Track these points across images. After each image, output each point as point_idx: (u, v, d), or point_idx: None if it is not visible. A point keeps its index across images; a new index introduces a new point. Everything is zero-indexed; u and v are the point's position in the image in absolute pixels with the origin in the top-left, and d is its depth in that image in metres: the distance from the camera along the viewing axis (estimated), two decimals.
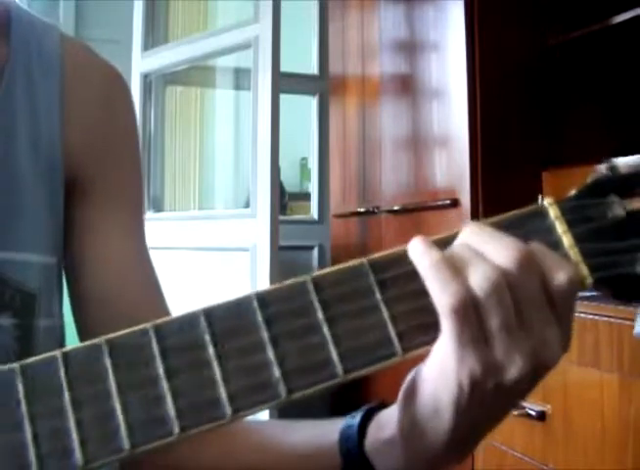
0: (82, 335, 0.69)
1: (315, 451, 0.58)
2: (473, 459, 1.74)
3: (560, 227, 0.46)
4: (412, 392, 0.47)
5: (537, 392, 1.49)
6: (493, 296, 0.42)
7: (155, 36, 2.91)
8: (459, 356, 0.43)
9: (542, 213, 0.46)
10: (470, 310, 0.42)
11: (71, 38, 0.75)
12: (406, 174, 2.27)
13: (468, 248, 0.44)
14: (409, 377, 0.48)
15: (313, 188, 3.35)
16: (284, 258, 2.43)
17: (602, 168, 0.48)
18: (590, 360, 1.36)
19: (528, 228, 0.46)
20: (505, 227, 0.46)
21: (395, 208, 2.29)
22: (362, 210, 2.47)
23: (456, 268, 0.43)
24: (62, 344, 0.67)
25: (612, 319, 1.33)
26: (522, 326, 0.43)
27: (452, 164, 2.04)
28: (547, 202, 0.47)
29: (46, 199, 0.67)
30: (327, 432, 0.58)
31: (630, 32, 1.82)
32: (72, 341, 0.69)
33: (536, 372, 0.44)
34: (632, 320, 1.28)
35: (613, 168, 0.47)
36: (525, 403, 1.51)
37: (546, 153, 1.97)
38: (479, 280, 0.42)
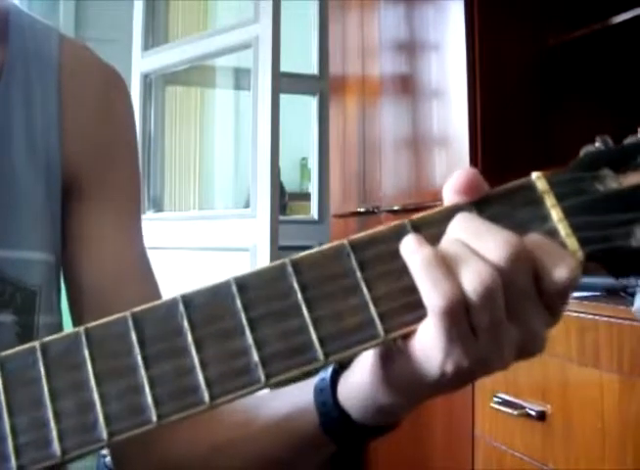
0: None
1: (293, 412, 0.58)
2: (473, 459, 1.74)
3: (549, 201, 0.44)
4: (388, 360, 0.47)
5: (537, 392, 1.49)
6: (486, 296, 0.41)
7: (155, 36, 2.92)
8: (446, 351, 0.42)
9: (530, 187, 0.45)
10: (460, 311, 0.41)
11: (71, 39, 0.75)
12: (406, 174, 2.27)
13: (460, 244, 0.43)
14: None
15: (313, 188, 3.35)
16: (284, 257, 2.42)
17: (595, 144, 0.46)
18: (590, 360, 1.36)
19: (516, 202, 0.44)
20: (493, 202, 0.44)
21: (395, 208, 2.29)
22: (362, 210, 2.47)
23: (448, 267, 0.42)
24: None
25: (612, 319, 1.32)
26: (512, 319, 0.43)
27: (452, 164, 2.03)
28: (535, 175, 0.45)
29: (44, 197, 0.68)
30: (303, 391, 0.57)
31: (630, 32, 1.82)
32: None
33: (520, 359, 0.44)
34: (632, 320, 1.28)
35: (606, 143, 0.46)
36: (524, 403, 1.52)
37: (546, 153, 1.97)
38: (471, 281, 0.41)
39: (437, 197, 1.98)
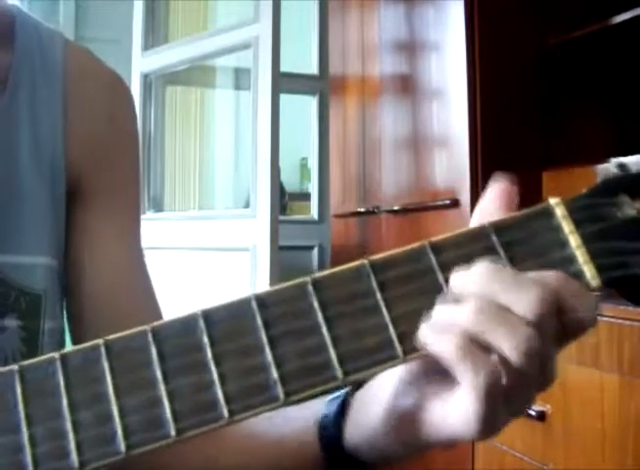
0: (75, 338, 0.70)
1: (299, 446, 0.58)
2: (473, 459, 1.74)
3: (567, 227, 0.44)
4: (414, 427, 0.46)
5: None
6: (526, 361, 0.40)
7: (155, 36, 2.92)
8: (485, 419, 0.41)
9: (549, 213, 0.45)
10: (500, 384, 0.40)
11: (75, 44, 0.76)
12: (406, 174, 2.27)
13: (491, 304, 0.41)
14: (403, 402, 0.47)
15: (313, 188, 3.35)
16: (284, 257, 2.43)
17: (611, 168, 0.46)
18: (590, 360, 1.36)
19: (535, 227, 0.44)
20: (512, 227, 0.44)
21: (395, 208, 2.29)
22: (362, 210, 2.47)
23: (484, 343, 0.40)
24: (63, 345, 0.68)
25: (612, 319, 1.32)
26: (539, 374, 0.42)
27: (452, 164, 2.03)
28: (554, 201, 0.45)
29: (48, 203, 0.68)
30: (310, 423, 0.57)
31: (630, 32, 1.82)
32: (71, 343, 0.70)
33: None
34: (632, 320, 1.28)
35: (623, 168, 0.46)
36: None
37: (546, 153, 1.97)
38: (511, 351, 0.40)
39: (437, 197, 1.99)
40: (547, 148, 1.98)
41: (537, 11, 2.00)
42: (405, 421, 0.47)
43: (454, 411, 0.42)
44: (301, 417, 0.58)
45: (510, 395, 0.42)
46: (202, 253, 2.59)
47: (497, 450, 1.63)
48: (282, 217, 2.79)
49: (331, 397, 0.56)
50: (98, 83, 0.73)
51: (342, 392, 0.56)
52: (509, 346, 0.40)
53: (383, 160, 2.40)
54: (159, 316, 0.70)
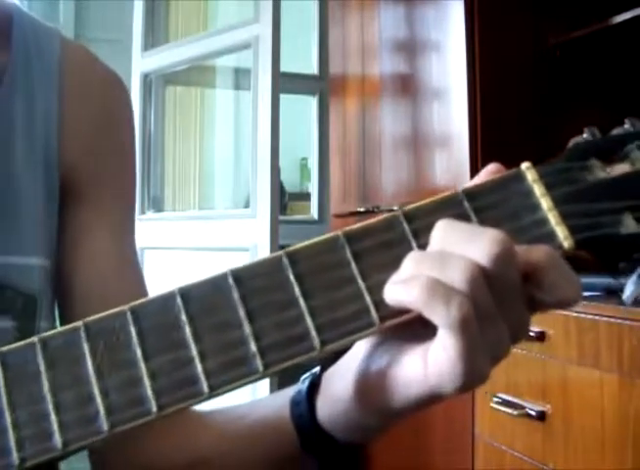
0: None
1: (276, 424, 0.58)
2: (473, 459, 1.74)
3: (538, 190, 0.45)
4: (384, 383, 0.46)
5: (537, 392, 1.49)
6: (474, 286, 0.40)
7: (155, 36, 2.92)
8: (468, 360, 0.41)
9: (520, 177, 0.45)
10: (473, 317, 0.40)
11: (73, 42, 0.75)
12: (406, 174, 2.27)
13: (449, 251, 0.42)
14: (368, 369, 0.47)
15: (313, 188, 3.36)
16: None
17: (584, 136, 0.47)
18: (590, 360, 1.36)
19: (507, 192, 0.45)
20: (484, 192, 0.45)
21: (395, 207, 2.28)
22: (362, 209, 2.47)
23: (446, 286, 0.41)
24: None
25: (612, 319, 1.33)
26: (503, 315, 0.42)
27: (452, 163, 2.04)
28: (524, 166, 0.46)
29: (43, 202, 0.67)
30: (282, 406, 0.57)
31: (630, 32, 1.82)
32: None
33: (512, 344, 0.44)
34: (632, 320, 1.28)
35: (594, 134, 0.47)
36: (524, 403, 1.52)
37: (546, 153, 1.97)
38: (461, 284, 0.40)
39: None
40: (547, 148, 1.98)
41: (537, 11, 2.00)
42: (379, 383, 0.46)
43: (435, 355, 0.42)
44: (282, 396, 0.58)
45: (484, 329, 0.41)
46: (202, 253, 2.59)
47: (497, 450, 1.63)
48: (282, 217, 2.79)
49: (305, 375, 0.57)
50: (93, 80, 0.73)
51: (316, 369, 0.56)
52: (462, 278, 0.40)
53: (383, 159, 2.40)
54: None
